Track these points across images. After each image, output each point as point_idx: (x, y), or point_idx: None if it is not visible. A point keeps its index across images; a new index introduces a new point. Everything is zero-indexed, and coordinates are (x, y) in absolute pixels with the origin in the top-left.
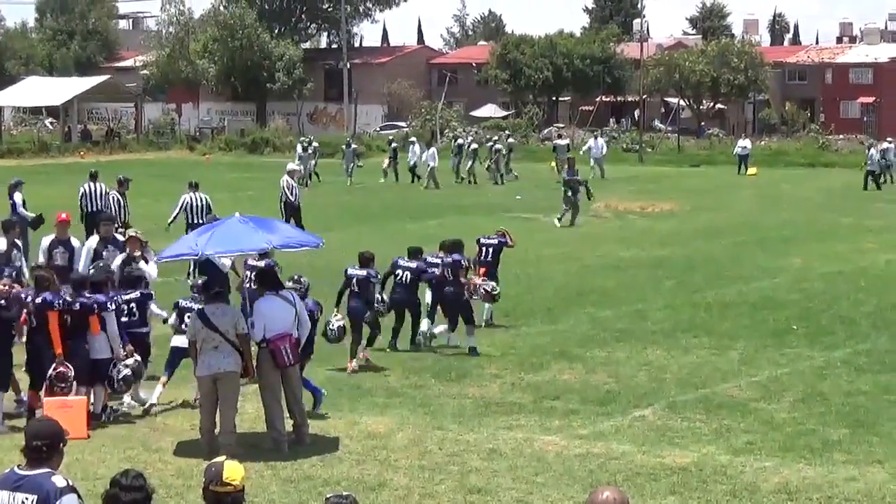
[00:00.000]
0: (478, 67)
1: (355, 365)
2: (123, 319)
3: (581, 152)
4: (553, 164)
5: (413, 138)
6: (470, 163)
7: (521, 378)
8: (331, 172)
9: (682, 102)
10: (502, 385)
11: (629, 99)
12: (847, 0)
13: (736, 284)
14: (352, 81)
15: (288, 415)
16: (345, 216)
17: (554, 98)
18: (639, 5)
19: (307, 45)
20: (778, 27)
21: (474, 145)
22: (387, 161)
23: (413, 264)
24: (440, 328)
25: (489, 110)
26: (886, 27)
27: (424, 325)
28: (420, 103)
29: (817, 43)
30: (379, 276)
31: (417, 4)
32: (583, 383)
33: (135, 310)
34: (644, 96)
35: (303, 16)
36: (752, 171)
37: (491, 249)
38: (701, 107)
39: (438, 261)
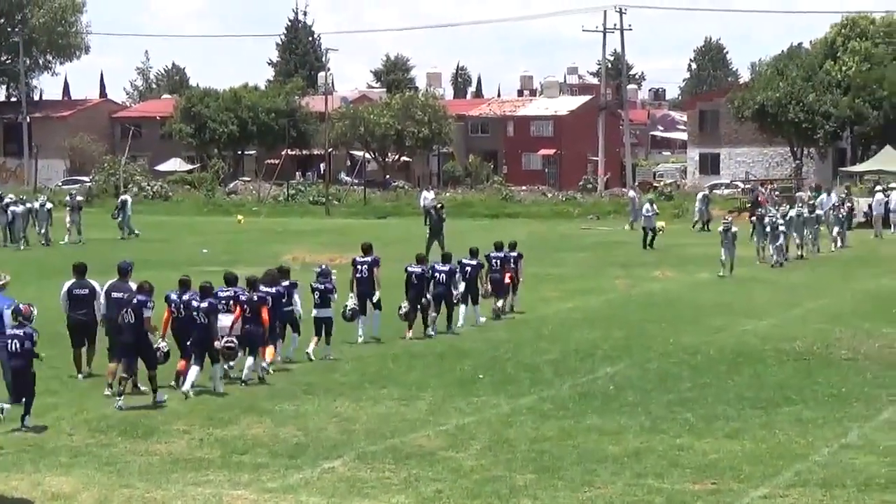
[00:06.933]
0: (162, 121)
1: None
2: None
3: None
4: (240, 218)
5: None
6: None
7: (209, 433)
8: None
9: (367, 155)
10: (190, 441)
11: (315, 152)
12: (528, 54)
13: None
14: (32, 136)
15: None
16: (27, 272)
17: (240, 152)
18: (323, 58)
19: None
20: (461, 80)
21: (49, 204)
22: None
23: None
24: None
25: (174, 164)
26: (565, 80)
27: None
28: (103, 158)
29: (499, 96)
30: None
31: (100, 57)
32: (272, 437)
33: None
34: (330, 149)
35: None
36: None
37: (498, 262)
38: (386, 159)
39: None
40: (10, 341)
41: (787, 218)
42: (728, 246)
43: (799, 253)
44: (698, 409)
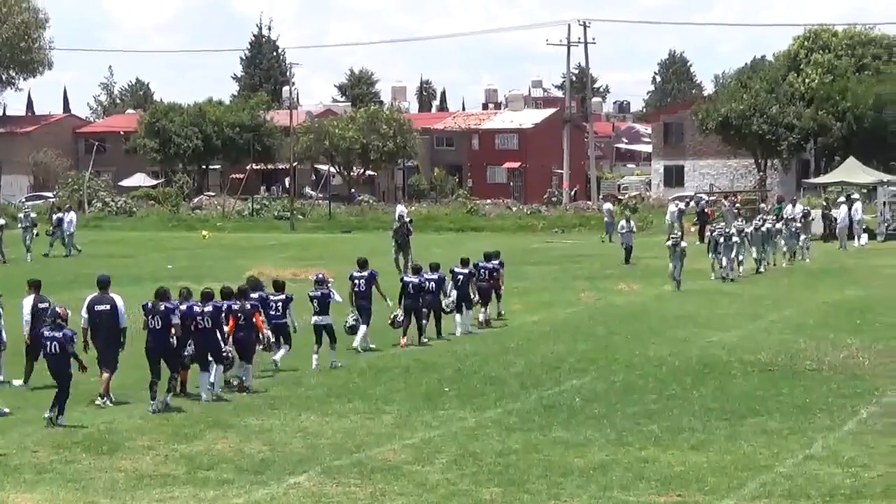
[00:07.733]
0: (126, 136)
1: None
2: None
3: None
4: (205, 233)
5: None
6: None
7: (174, 449)
8: None
9: (332, 169)
10: (155, 457)
11: (280, 166)
12: (492, 67)
13: (388, 348)
14: None
15: None
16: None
17: (204, 166)
18: (288, 73)
19: None
20: (425, 94)
21: (1, 221)
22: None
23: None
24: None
25: (139, 179)
26: (530, 93)
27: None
28: (67, 173)
29: (464, 109)
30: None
31: (63, 72)
32: (237, 452)
33: None
34: (294, 164)
35: None
36: None
37: (486, 272)
38: (351, 173)
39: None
40: (48, 343)
41: (743, 232)
42: (675, 261)
43: (757, 268)
44: (664, 421)
